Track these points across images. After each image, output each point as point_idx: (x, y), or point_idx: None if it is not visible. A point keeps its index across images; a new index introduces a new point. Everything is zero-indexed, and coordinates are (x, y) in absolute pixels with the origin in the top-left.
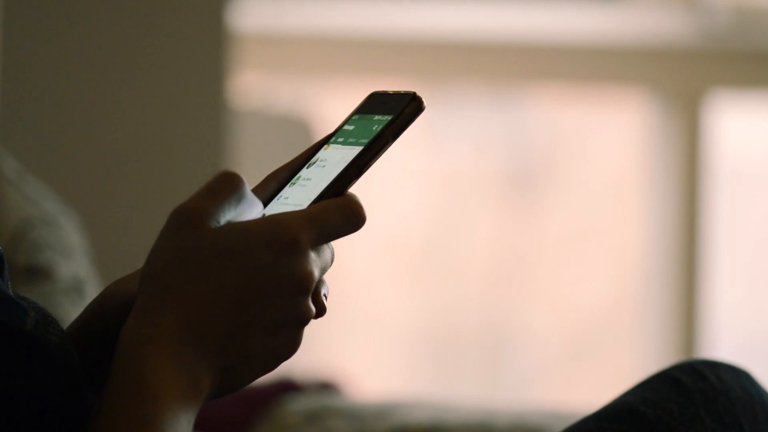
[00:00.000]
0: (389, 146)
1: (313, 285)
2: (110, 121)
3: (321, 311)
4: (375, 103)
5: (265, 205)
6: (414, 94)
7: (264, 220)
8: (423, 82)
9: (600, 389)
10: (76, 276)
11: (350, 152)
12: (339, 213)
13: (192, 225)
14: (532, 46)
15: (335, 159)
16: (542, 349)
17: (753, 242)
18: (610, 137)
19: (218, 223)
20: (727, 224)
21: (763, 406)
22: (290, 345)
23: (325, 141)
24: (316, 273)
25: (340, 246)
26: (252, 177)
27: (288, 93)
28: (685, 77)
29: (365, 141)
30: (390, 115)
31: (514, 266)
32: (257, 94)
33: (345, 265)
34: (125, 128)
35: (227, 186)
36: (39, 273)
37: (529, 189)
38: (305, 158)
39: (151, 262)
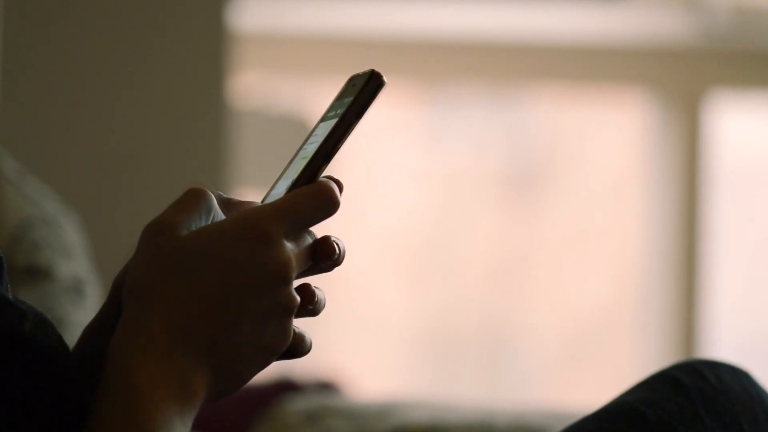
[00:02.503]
0: (354, 126)
1: (293, 273)
2: (110, 121)
3: (313, 303)
4: (348, 86)
5: (263, 201)
6: (372, 71)
7: (233, 218)
8: (423, 82)
9: (600, 389)
10: (76, 276)
11: (320, 138)
12: (309, 199)
13: (164, 234)
14: (532, 46)
15: (310, 147)
16: (542, 349)
17: (753, 242)
18: (610, 137)
19: (189, 231)
20: (727, 224)
21: (763, 406)
22: (280, 336)
23: (313, 130)
24: (294, 261)
25: None
26: (252, 177)
27: (288, 93)
28: (685, 77)
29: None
30: (353, 96)
31: (514, 266)
32: (257, 94)
33: (345, 265)
34: (125, 128)
35: (195, 199)
36: (39, 273)
37: (529, 189)
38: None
39: (131, 274)
